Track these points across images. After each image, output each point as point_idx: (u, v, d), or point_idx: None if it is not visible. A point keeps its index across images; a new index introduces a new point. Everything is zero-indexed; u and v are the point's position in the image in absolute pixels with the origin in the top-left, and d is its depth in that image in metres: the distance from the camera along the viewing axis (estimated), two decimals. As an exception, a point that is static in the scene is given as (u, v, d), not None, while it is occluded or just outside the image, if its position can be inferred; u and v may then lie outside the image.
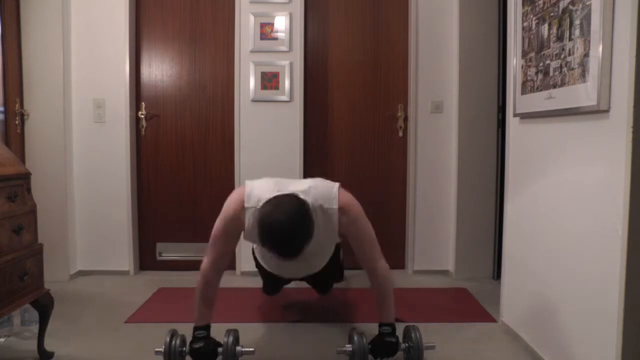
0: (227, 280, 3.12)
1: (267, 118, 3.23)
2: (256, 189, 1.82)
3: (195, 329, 1.87)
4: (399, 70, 3.31)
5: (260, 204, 1.70)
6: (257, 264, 2.32)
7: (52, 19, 2.98)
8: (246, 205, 1.80)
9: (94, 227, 3.24)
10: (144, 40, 3.29)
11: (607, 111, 1.54)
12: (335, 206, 1.80)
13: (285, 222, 1.56)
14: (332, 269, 2.30)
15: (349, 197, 1.87)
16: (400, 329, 1.93)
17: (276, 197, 1.68)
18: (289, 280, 2.41)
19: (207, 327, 1.88)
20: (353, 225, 1.85)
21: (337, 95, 3.34)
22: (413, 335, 1.86)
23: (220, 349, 1.83)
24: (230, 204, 1.87)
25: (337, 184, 1.87)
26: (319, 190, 1.81)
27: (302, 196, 1.73)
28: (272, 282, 2.42)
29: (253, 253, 2.32)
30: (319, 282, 2.46)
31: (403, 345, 1.89)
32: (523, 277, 2.18)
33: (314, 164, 3.34)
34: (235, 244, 1.93)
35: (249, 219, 1.79)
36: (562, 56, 1.77)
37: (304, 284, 2.50)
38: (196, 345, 1.83)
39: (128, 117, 3.19)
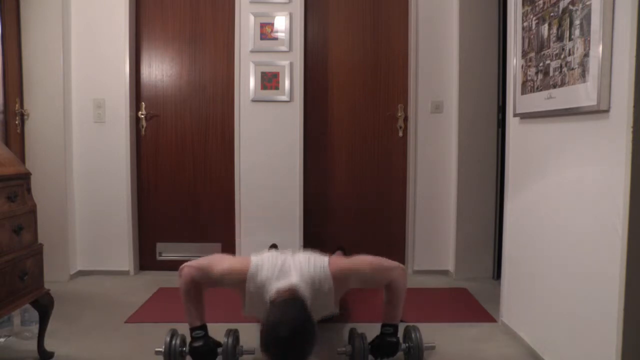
0: (227, 280, 3.13)
1: (267, 118, 3.23)
2: (262, 270, 1.80)
3: (192, 329, 1.87)
4: (399, 70, 3.31)
5: (262, 288, 1.75)
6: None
7: (52, 19, 2.98)
8: (249, 277, 1.80)
9: (94, 227, 3.24)
10: (144, 40, 3.29)
11: (607, 111, 1.54)
12: (331, 284, 1.81)
13: (290, 341, 1.54)
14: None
15: (337, 262, 1.87)
16: (400, 329, 1.93)
17: (282, 305, 1.65)
18: None
19: (203, 327, 1.88)
20: (350, 279, 1.86)
21: (337, 95, 3.34)
22: (413, 335, 1.86)
23: (219, 349, 1.83)
24: (234, 268, 1.86)
25: (326, 258, 1.87)
26: (314, 271, 1.81)
27: (302, 288, 1.72)
28: None
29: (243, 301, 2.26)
30: None
31: (403, 346, 1.89)
32: (523, 277, 2.18)
33: (314, 164, 3.34)
34: (226, 284, 1.90)
35: (250, 294, 1.81)
36: (562, 56, 1.77)
37: None
38: (196, 344, 1.83)
39: (128, 117, 3.19)
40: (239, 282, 1.82)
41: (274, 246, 3.04)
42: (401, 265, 1.93)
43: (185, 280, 1.87)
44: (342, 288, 1.87)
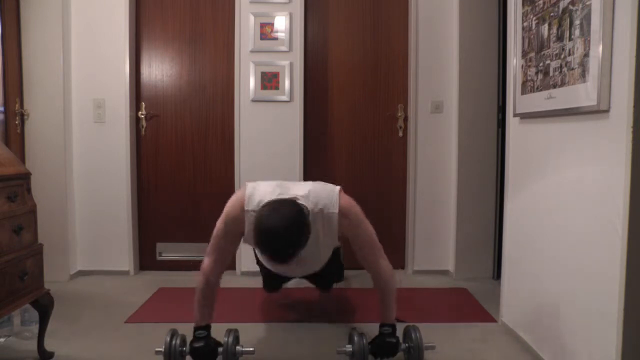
0: (227, 280, 3.10)
1: (267, 118, 3.23)
2: (257, 191, 1.82)
3: (196, 328, 1.87)
4: (399, 70, 3.31)
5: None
6: (258, 261, 2.32)
7: (52, 19, 2.98)
8: (246, 208, 1.81)
9: (94, 227, 3.24)
10: (144, 40, 3.29)
11: (607, 111, 1.54)
12: (336, 210, 1.81)
13: (280, 228, 1.59)
14: (332, 268, 2.31)
15: (349, 201, 1.89)
16: (400, 329, 1.93)
17: (274, 201, 1.70)
18: (289, 279, 2.41)
19: (207, 327, 1.88)
20: (354, 228, 1.87)
21: (337, 95, 3.34)
22: (413, 335, 1.86)
23: (220, 349, 1.83)
24: (231, 205, 1.88)
25: (337, 188, 1.88)
26: (319, 194, 1.83)
27: (301, 201, 1.75)
28: (272, 280, 2.42)
29: (254, 250, 2.32)
30: (320, 280, 2.47)
31: (403, 346, 1.89)
32: (523, 277, 2.18)
33: (314, 164, 3.34)
34: (236, 246, 1.94)
35: (248, 222, 1.79)
36: (562, 56, 1.77)
37: (305, 283, 2.50)
38: (196, 345, 1.83)
39: (128, 117, 3.19)
40: (240, 217, 1.81)
41: None
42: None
43: (202, 277, 1.89)
44: (344, 222, 1.84)
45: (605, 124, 1.56)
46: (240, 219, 1.83)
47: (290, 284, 2.60)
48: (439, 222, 3.29)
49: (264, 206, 1.69)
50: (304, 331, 2.29)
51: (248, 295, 2.83)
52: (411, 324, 1.95)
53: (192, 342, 1.85)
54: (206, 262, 1.90)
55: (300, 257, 1.66)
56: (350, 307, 2.68)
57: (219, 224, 1.88)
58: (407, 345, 1.88)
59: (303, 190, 1.82)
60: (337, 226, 1.83)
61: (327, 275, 2.41)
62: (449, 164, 3.26)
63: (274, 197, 1.75)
